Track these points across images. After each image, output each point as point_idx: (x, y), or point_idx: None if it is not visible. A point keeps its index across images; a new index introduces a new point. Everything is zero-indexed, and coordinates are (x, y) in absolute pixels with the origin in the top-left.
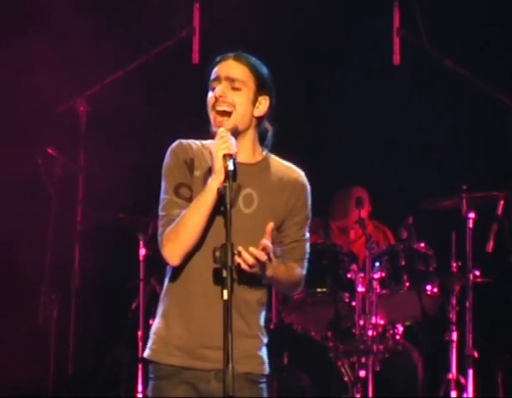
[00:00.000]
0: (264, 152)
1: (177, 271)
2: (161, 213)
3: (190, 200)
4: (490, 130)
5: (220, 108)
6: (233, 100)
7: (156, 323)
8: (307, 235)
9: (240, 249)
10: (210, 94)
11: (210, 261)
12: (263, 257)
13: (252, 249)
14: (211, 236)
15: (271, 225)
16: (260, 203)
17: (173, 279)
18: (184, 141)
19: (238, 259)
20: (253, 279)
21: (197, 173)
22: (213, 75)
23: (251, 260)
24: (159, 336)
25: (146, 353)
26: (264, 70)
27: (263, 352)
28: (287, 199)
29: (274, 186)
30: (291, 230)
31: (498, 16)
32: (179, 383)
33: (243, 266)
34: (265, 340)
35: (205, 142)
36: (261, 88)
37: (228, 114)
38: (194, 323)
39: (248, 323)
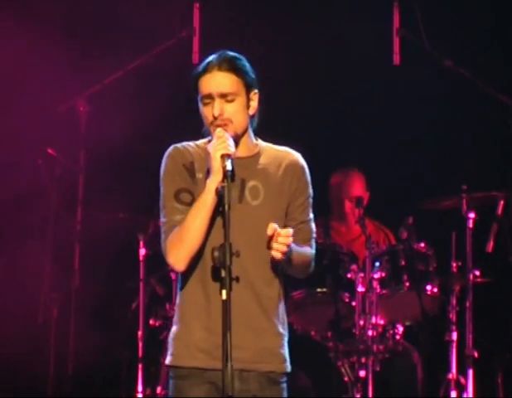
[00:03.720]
0: (258, 142)
1: (191, 274)
2: (162, 220)
3: (190, 205)
4: (489, 130)
5: (220, 124)
6: (229, 114)
7: (174, 329)
8: (311, 215)
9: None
10: (206, 110)
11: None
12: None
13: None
14: (220, 236)
15: (272, 226)
16: (266, 193)
17: (187, 282)
18: (179, 145)
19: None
20: (271, 272)
21: (199, 175)
22: (204, 91)
23: (285, 246)
24: (179, 340)
25: (167, 360)
26: (246, 65)
27: (285, 349)
28: (289, 182)
29: (276, 173)
30: (296, 211)
31: (498, 17)
32: (201, 383)
33: (277, 255)
34: (286, 335)
35: (198, 142)
36: (249, 87)
37: (227, 126)
38: (213, 324)
39: (271, 319)
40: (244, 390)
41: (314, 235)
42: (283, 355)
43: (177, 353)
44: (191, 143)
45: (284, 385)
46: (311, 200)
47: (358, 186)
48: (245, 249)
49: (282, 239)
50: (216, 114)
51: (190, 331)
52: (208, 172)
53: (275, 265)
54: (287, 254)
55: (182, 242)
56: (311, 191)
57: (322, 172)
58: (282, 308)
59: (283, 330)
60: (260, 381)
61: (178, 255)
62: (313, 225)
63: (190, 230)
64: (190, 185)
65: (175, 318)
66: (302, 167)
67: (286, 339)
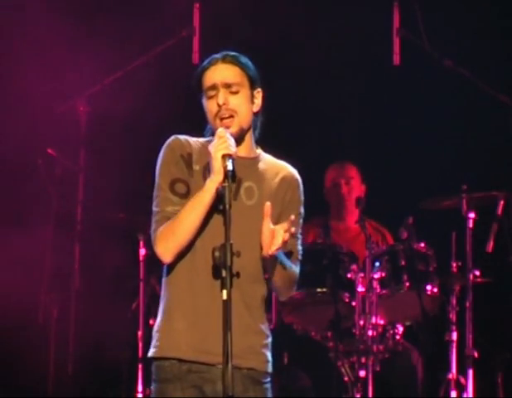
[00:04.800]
0: (259, 150)
1: (178, 267)
2: (154, 209)
3: (185, 196)
4: (490, 130)
5: (225, 115)
6: (234, 105)
7: (158, 322)
8: (300, 235)
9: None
10: (210, 103)
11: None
12: (288, 234)
13: (279, 226)
14: (215, 233)
15: (268, 204)
16: (260, 195)
17: (174, 275)
18: (180, 136)
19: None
20: (258, 271)
21: (196, 167)
22: (207, 83)
23: (285, 236)
24: (162, 332)
25: (150, 352)
26: (249, 62)
27: (268, 351)
28: (284, 193)
29: (271, 180)
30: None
31: (498, 16)
32: (186, 387)
33: (274, 249)
34: (269, 339)
35: (201, 139)
36: (253, 83)
37: (232, 118)
38: (198, 316)
39: (255, 318)
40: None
41: (300, 257)
42: (266, 355)
43: (160, 345)
44: (194, 139)
45: (268, 385)
46: (301, 220)
47: (353, 171)
48: (235, 247)
49: (280, 231)
50: (221, 102)
51: (173, 322)
52: (206, 166)
53: (265, 265)
54: (278, 258)
55: (173, 235)
56: (302, 209)
57: (322, 172)
58: (265, 309)
59: (266, 330)
60: (244, 383)
61: (167, 247)
62: (300, 247)
63: (182, 225)
64: (186, 176)
65: (159, 311)
66: (298, 181)
67: (269, 340)
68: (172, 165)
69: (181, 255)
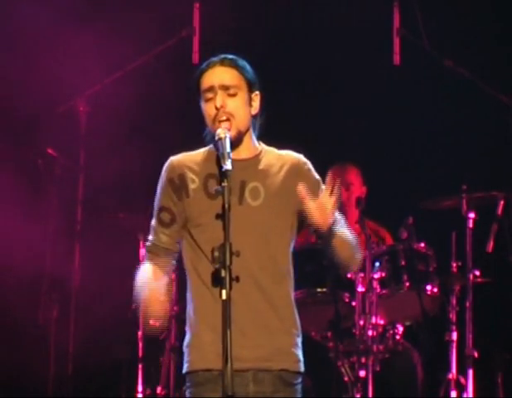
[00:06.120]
0: (260, 145)
1: (197, 281)
2: (149, 235)
3: (168, 225)
4: (490, 130)
5: (223, 118)
6: (231, 108)
7: (186, 337)
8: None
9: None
10: (208, 106)
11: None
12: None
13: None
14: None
15: (301, 187)
16: (267, 194)
17: (194, 289)
18: (174, 158)
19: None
20: (279, 270)
21: (193, 186)
22: (205, 85)
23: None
24: (192, 346)
25: (184, 368)
26: (247, 65)
27: (299, 349)
28: (293, 183)
29: (277, 174)
30: None
31: (498, 16)
32: (217, 389)
33: (331, 218)
34: (300, 338)
35: (202, 150)
36: (251, 86)
37: (229, 121)
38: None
39: (283, 318)
40: (259, 391)
41: (346, 224)
42: (296, 354)
43: (191, 359)
44: (192, 153)
45: (298, 386)
46: None
47: (353, 176)
48: (249, 250)
49: (327, 200)
50: (218, 105)
51: (200, 336)
52: (207, 177)
53: (326, 240)
54: (333, 230)
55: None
56: (322, 185)
57: (321, 172)
58: (293, 307)
59: (295, 329)
60: (274, 383)
61: None
62: (343, 218)
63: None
64: (173, 202)
65: (186, 326)
66: (306, 165)
67: (299, 339)
68: (161, 192)
69: (197, 269)
